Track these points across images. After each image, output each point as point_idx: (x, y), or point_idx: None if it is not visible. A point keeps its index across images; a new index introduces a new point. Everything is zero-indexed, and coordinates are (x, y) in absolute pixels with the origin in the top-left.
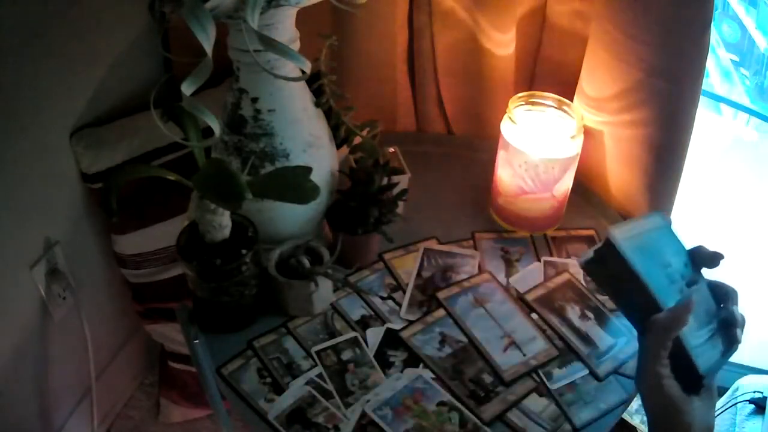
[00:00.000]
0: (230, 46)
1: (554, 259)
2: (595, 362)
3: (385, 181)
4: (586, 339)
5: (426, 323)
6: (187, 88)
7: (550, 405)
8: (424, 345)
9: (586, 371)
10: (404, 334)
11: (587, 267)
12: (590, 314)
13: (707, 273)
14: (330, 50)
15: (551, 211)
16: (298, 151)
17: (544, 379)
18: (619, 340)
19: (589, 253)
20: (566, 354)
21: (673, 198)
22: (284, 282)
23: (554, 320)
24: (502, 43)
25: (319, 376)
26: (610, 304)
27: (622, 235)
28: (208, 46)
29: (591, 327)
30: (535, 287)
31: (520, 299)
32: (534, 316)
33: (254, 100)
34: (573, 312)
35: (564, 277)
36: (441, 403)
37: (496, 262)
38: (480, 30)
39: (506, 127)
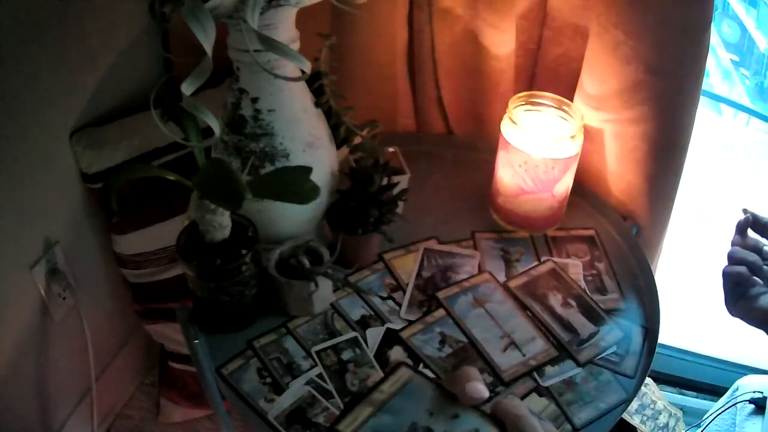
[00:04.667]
0: (230, 46)
1: (554, 259)
2: (575, 348)
3: (385, 181)
4: (567, 326)
5: (426, 323)
6: (187, 88)
7: (549, 405)
8: (424, 345)
9: (579, 369)
10: (404, 334)
11: None
12: (572, 302)
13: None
14: (330, 50)
15: (551, 211)
16: (298, 151)
17: (536, 377)
18: (602, 328)
19: None
20: (562, 352)
21: (673, 197)
22: (284, 282)
23: (536, 307)
24: (502, 42)
25: (319, 376)
26: (595, 295)
27: (351, 426)
28: (208, 46)
29: (573, 314)
30: (519, 275)
31: (502, 286)
32: (529, 313)
33: (254, 100)
34: (555, 300)
35: (548, 265)
36: None
37: (496, 262)
38: (480, 29)
39: (506, 127)
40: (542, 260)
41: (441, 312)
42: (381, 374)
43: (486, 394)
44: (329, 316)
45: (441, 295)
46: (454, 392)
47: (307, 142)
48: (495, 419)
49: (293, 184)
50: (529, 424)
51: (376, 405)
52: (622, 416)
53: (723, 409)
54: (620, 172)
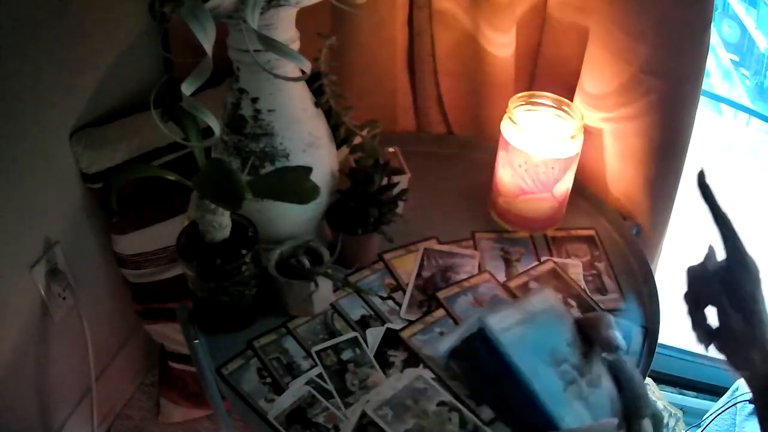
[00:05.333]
0: (230, 46)
1: (554, 259)
2: None
3: (385, 181)
4: None
5: (426, 323)
6: (187, 88)
7: None
8: (424, 345)
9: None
10: (404, 334)
11: (452, 358)
12: (572, 302)
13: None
14: (330, 50)
15: (551, 211)
16: (298, 151)
17: None
18: None
19: (453, 340)
20: None
21: (672, 197)
22: (284, 282)
23: None
24: (502, 44)
25: (319, 376)
26: (595, 295)
27: (500, 323)
28: (208, 46)
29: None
30: (519, 275)
31: (502, 286)
32: None
33: (254, 100)
34: None
35: (548, 265)
36: (441, 403)
37: (496, 262)
38: (480, 31)
39: (506, 127)
40: (542, 260)
41: (441, 312)
42: (381, 374)
43: (623, 344)
44: (329, 316)
45: (441, 295)
46: (591, 334)
47: (307, 142)
48: (614, 376)
49: (293, 184)
50: (645, 400)
51: (524, 314)
52: None
53: (723, 409)
54: (620, 172)
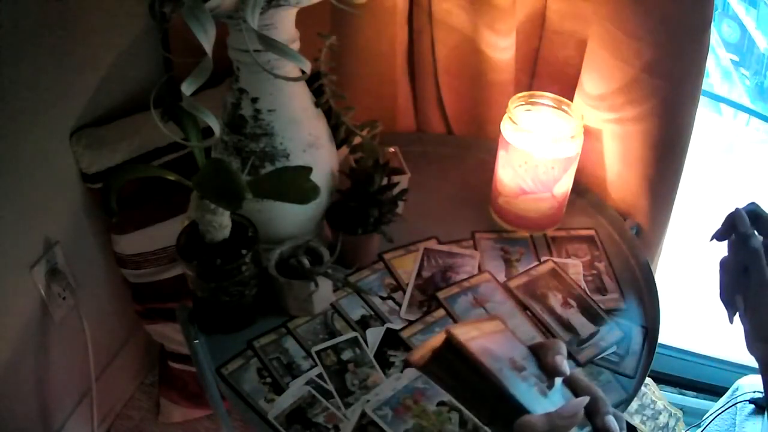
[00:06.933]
0: (230, 46)
1: (554, 259)
2: (575, 348)
3: (385, 181)
4: (567, 326)
5: (426, 323)
6: (187, 88)
7: None
8: None
9: (579, 369)
10: (404, 334)
11: (426, 369)
12: (572, 302)
13: None
14: (330, 50)
15: (551, 211)
16: (298, 151)
17: None
18: (602, 328)
19: (423, 353)
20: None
21: (672, 197)
22: (284, 282)
23: (536, 307)
24: (503, 48)
25: (319, 376)
26: (595, 295)
27: (464, 335)
28: (208, 46)
29: (573, 315)
30: (519, 275)
31: (502, 286)
32: (529, 313)
33: (254, 100)
34: (555, 300)
35: (548, 265)
36: (441, 403)
37: (496, 262)
38: (480, 30)
39: (506, 127)
40: (542, 260)
41: (441, 312)
42: (381, 374)
43: (567, 371)
44: (329, 316)
45: (441, 295)
46: (542, 357)
47: (307, 142)
48: (569, 386)
49: (293, 184)
50: (600, 398)
51: (481, 331)
52: None
53: (723, 409)
54: (620, 172)
